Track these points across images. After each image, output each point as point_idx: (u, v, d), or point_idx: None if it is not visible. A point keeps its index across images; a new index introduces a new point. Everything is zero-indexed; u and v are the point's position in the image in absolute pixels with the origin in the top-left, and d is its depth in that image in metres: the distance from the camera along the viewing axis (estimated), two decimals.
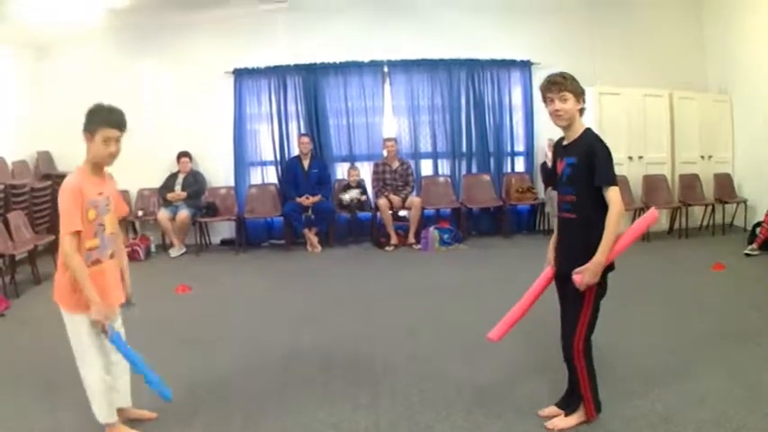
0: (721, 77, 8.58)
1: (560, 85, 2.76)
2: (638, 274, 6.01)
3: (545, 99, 2.82)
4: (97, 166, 2.81)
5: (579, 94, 2.77)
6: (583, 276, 2.68)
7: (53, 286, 2.85)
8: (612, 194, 2.67)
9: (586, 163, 2.70)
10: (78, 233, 2.68)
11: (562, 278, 2.87)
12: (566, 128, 2.82)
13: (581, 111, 2.80)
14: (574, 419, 2.93)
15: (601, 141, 2.76)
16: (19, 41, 7.88)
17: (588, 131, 2.81)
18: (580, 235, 2.74)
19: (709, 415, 3.00)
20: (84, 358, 2.83)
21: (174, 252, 7.78)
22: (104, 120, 2.69)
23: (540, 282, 3.03)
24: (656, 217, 2.93)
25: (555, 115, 2.79)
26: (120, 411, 3.00)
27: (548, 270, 3.02)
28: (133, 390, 3.15)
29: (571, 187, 2.78)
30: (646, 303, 5.06)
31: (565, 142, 2.87)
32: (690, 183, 8.26)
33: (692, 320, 4.55)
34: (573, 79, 2.78)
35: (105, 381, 2.88)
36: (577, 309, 2.79)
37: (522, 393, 3.36)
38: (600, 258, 2.65)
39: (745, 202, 8.13)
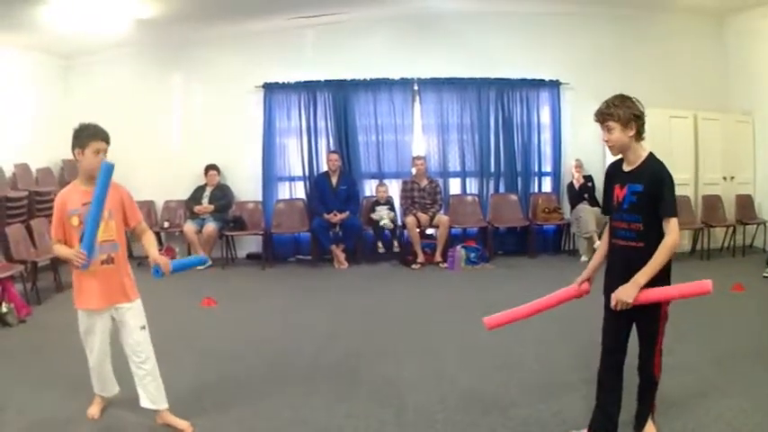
0: (744, 98, 8.59)
1: (604, 114, 2.73)
2: None
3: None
4: (89, 178, 3.03)
5: (628, 120, 2.68)
6: (618, 293, 2.68)
7: None
8: (673, 225, 2.63)
9: (654, 191, 2.64)
10: (59, 240, 3.07)
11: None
12: (625, 155, 2.76)
13: (637, 136, 2.72)
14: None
15: (667, 169, 2.69)
16: (48, 49, 7.89)
17: (652, 157, 2.73)
18: (643, 261, 2.68)
19: None
20: (85, 345, 3.22)
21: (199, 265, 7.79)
22: (93, 134, 3.00)
23: (560, 294, 3.02)
24: (708, 291, 2.68)
25: (607, 146, 2.78)
26: (157, 414, 3.22)
27: (574, 287, 3.00)
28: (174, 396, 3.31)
29: (637, 215, 2.70)
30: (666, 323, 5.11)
31: (626, 167, 2.77)
32: (712, 204, 8.29)
33: (711, 341, 4.61)
34: (622, 105, 2.71)
35: (96, 363, 3.25)
36: (652, 332, 2.84)
37: (549, 413, 3.38)
38: (640, 280, 2.64)
39: (765, 222, 8.18)
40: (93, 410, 3.36)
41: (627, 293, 2.65)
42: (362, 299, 6.32)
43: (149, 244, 3.25)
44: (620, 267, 2.79)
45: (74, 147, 3.02)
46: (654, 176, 2.65)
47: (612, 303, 2.70)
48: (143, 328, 3.18)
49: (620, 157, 2.81)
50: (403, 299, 6.31)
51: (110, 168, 2.92)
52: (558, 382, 3.80)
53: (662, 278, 2.70)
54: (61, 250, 3.07)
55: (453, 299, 6.20)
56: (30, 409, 3.50)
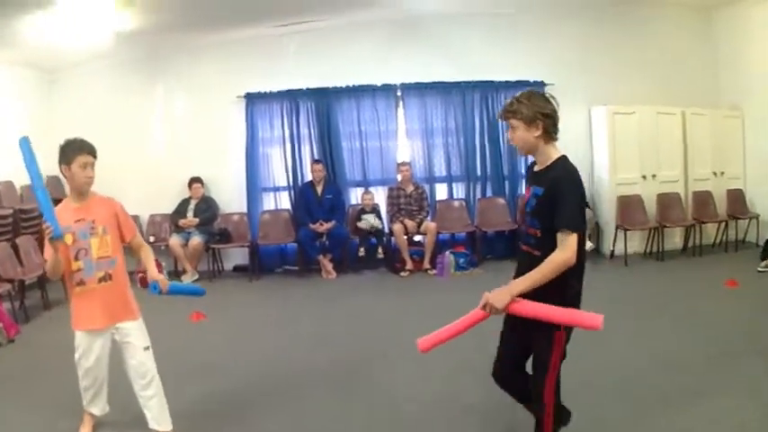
0: (733, 93, 8.53)
1: (506, 112, 2.53)
2: (653, 293, 6.20)
3: None
4: (78, 194, 3.03)
5: (533, 118, 2.45)
6: (490, 294, 2.45)
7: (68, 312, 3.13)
8: (570, 241, 2.35)
9: (551, 198, 2.42)
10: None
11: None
12: (535, 156, 2.58)
13: (546, 136, 2.50)
14: None
15: (574, 176, 2.44)
16: (30, 64, 7.81)
17: (560, 162, 2.50)
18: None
19: None
20: (79, 368, 3.17)
21: (186, 278, 7.71)
22: (79, 148, 2.96)
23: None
24: (597, 326, 2.34)
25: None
26: None
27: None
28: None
29: (536, 220, 2.50)
30: (660, 321, 5.14)
31: (536, 167, 2.60)
32: (703, 200, 8.23)
33: (707, 338, 4.60)
34: (528, 102, 2.48)
35: (91, 384, 3.21)
36: (547, 352, 2.54)
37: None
38: (514, 289, 2.41)
39: (757, 217, 8.11)
40: (85, 431, 3.31)
41: (497, 298, 2.43)
42: (352, 308, 6.28)
43: (147, 259, 3.24)
44: (519, 273, 2.57)
45: (60, 163, 2.98)
46: (554, 182, 2.43)
47: (481, 303, 2.48)
48: (147, 348, 3.13)
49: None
50: (393, 307, 6.25)
51: (24, 141, 2.88)
52: None
53: (556, 297, 2.41)
54: (47, 253, 2.99)
55: (443, 305, 5.97)
56: (20, 430, 3.48)
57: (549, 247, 2.40)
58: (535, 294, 2.42)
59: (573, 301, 2.50)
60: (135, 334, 3.11)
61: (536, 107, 2.47)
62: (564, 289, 2.44)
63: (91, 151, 2.99)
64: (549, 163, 2.52)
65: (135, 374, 3.10)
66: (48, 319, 6.05)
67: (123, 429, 3.37)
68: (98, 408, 3.33)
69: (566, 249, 2.35)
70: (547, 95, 2.58)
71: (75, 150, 2.95)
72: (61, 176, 3.05)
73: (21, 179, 7.44)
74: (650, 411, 3.32)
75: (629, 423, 3.11)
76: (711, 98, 8.63)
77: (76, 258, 2.98)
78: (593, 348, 4.48)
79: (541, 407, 2.63)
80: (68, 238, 2.94)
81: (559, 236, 2.37)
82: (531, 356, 2.67)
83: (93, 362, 3.11)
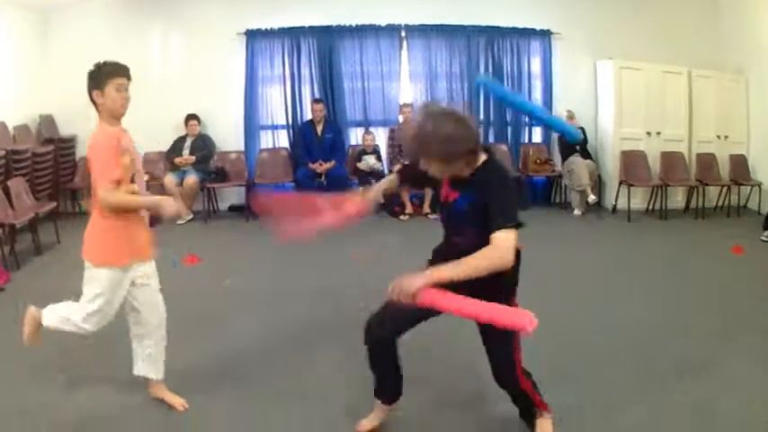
0: (737, 57, 8.45)
1: (418, 146, 2.26)
2: (661, 254, 6.04)
3: None
4: (114, 119, 2.75)
5: (454, 160, 2.22)
6: (401, 280, 2.17)
7: (82, 241, 2.81)
8: (509, 239, 2.13)
9: (484, 203, 2.21)
10: (117, 182, 2.66)
11: None
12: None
13: (471, 161, 2.27)
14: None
15: (504, 174, 2.31)
16: (23, 3, 7.57)
17: (489, 164, 2.30)
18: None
19: (736, 404, 2.94)
20: (94, 314, 2.81)
21: (180, 219, 7.51)
22: (112, 70, 2.70)
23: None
24: (525, 328, 2.04)
25: None
26: (151, 385, 3.02)
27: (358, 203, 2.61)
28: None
29: (466, 224, 2.31)
30: (670, 284, 5.00)
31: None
32: (707, 162, 8.15)
33: (719, 305, 4.48)
34: (446, 144, 2.17)
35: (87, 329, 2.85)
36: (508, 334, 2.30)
37: None
38: (436, 275, 2.14)
39: (759, 185, 8.01)
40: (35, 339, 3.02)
41: (409, 283, 2.14)
42: (351, 251, 5.90)
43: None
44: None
45: (91, 89, 2.70)
46: (488, 185, 2.24)
47: (390, 288, 2.18)
48: (160, 290, 2.99)
49: None
50: (393, 252, 5.91)
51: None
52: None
53: (491, 285, 2.16)
54: (146, 200, 2.78)
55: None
56: (15, 391, 3.20)
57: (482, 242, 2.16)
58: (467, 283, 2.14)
59: (509, 290, 2.37)
60: (155, 274, 2.96)
61: (456, 147, 2.18)
62: (500, 276, 2.17)
63: (126, 73, 2.75)
64: (476, 166, 2.29)
65: (150, 316, 2.90)
66: (40, 265, 5.74)
67: (116, 389, 3.13)
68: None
69: (505, 250, 2.10)
70: (467, 120, 2.25)
71: (108, 74, 2.69)
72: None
73: (13, 119, 7.24)
74: (664, 379, 3.23)
75: (642, 391, 3.02)
76: (715, 61, 8.54)
77: (132, 182, 2.76)
78: (605, 309, 4.42)
79: (523, 395, 2.55)
80: (127, 159, 2.70)
81: (499, 234, 2.13)
82: (487, 343, 2.48)
83: (115, 308, 2.84)
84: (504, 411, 2.77)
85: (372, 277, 4.96)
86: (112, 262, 2.74)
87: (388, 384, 2.67)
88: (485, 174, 2.26)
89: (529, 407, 2.59)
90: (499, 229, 2.12)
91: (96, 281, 2.74)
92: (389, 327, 2.53)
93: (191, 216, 7.59)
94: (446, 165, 2.22)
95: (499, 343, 2.41)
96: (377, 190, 2.72)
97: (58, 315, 2.87)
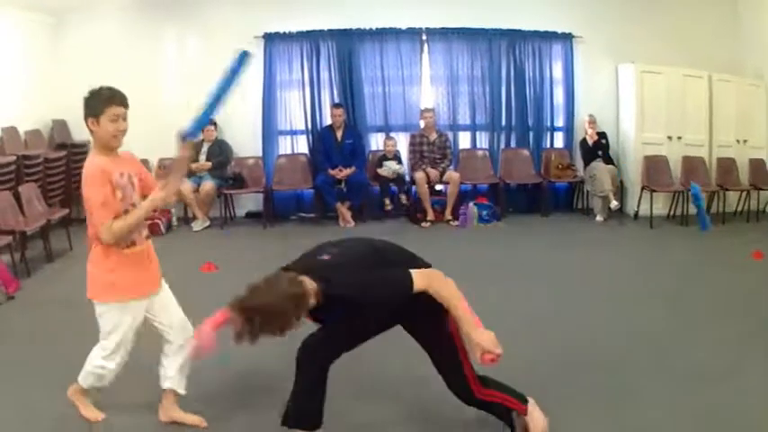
0: (757, 62, 8.36)
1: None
2: (683, 262, 5.93)
3: None
4: (108, 150, 2.65)
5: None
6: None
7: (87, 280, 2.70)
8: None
9: None
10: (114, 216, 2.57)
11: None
12: None
13: None
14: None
15: None
16: (35, 6, 7.41)
17: None
18: None
19: (754, 410, 2.91)
20: (112, 350, 2.73)
21: (197, 225, 7.38)
22: (109, 99, 2.59)
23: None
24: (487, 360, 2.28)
25: None
26: (166, 409, 2.90)
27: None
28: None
29: None
30: (692, 292, 4.90)
31: None
32: (727, 167, 8.08)
33: (739, 312, 4.40)
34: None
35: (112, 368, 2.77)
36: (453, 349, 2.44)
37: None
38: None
39: None
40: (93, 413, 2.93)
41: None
42: None
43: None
44: None
45: (86, 116, 2.59)
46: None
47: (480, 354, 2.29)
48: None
49: None
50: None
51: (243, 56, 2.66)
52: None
53: None
54: (140, 211, 2.62)
55: (467, 260, 5.74)
56: (25, 403, 3.09)
57: None
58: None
59: None
60: (170, 292, 2.90)
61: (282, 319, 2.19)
62: None
63: (122, 101, 2.63)
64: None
65: (179, 331, 2.83)
66: (51, 272, 5.62)
67: (129, 413, 2.99)
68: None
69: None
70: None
71: (104, 101, 2.58)
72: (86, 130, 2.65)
73: (24, 125, 7.10)
74: (681, 384, 3.19)
75: (658, 395, 2.98)
76: (734, 66, 8.47)
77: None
78: (625, 314, 4.35)
79: (484, 403, 2.50)
80: (119, 194, 2.60)
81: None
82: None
83: (132, 340, 2.76)
84: None
85: None
86: (120, 298, 2.66)
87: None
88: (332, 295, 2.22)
89: (501, 412, 2.55)
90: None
91: (107, 318, 2.67)
92: None
93: (207, 223, 7.45)
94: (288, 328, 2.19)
95: (446, 360, 2.45)
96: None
97: (87, 371, 2.79)
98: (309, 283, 2.19)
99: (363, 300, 2.21)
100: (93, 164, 2.58)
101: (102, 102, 2.57)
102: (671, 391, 3.12)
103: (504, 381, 2.59)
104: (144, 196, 2.70)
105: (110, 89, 2.62)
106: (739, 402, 2.98)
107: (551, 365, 2.98)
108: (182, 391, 2.88)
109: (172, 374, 2.83)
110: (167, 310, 2.84)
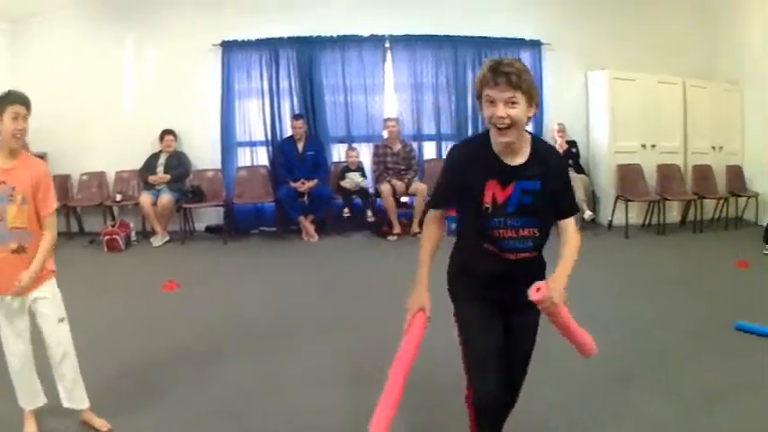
0: (732, 67, 8.23)
1: (512, 81, 1.90)
2: (667, 273, 5.70)
3: (480, 95, 1.99)
4: (9, 150, 2.66)
5: (532, 97, 1.96)
6: (555, 284, 1.98)
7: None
8: (573, 221, 2.17)
9: (551, 188, 2.05)
10: None
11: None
12: (509, 140, 1.99)
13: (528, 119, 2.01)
14: None
15: (559, 154, 2.19)
16: None
17: (540, 143, 2.09)
18: (535, 276, 2.04)
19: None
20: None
21: (156, 241, 7.09)
22: (9, 98, 2.64)
23: (415, 337, 2.09)
24: (589, 353, 2.25)
25: (496, 125, 1.95)
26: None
27: (420, 316, 2.12)
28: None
29: (533, 218, 2.04)
30: (682, 305, 4.70)
31: (509, 160, 2.04)
32: (703, 174, 7.92)
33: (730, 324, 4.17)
34: (527, 71, 1.95)
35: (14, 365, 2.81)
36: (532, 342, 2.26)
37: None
38: (564, 282, 2.02)
39: (756, 196, 7.77)
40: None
41: (561, 290, 1.99)
42: (345, 278, 5.63)
43: (41, 248, 2.73)
44: (505, 283, 2.10)
45: None
46: (551, 168, 2.06)
47: (541, 296, 1.94)
48: (62, 319, 2.81)
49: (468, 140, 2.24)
50: (385, 276, 5.54)
51: None
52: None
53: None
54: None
55: (440, 275, 5.49)
56: None
57: (542, 244, 2.12)
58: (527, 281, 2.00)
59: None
60: (48, 304, 2.77)
61: (533, 83, 1.98)
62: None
63: (23, 102, 2.65)
64: (529, 149, 2.04)
65: (47, 347, 2.79)
66: None
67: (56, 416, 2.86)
68: (34, 401, 2.88)
69: (575, 227, 2.16)
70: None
71: (4, 101, 2.62)
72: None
73: None
74: (674, 403, 3.04)
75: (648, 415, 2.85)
76: (710, 71, 8.32)
77: None
78: (627, 333, 4.09)
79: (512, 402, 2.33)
80: None
81: (570, 221, 2.15)
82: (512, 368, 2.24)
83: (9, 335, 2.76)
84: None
85: (367, 307, 4.68)
86: None
87: None
88: (544, 155, 2.07)
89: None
90: (572, 214, 2.15)
91: None
92: (499, 383, 2.14)
93: (167, 238, 7.19)
94: (528, 105, 1.96)
95: (523, 369, 2.28)
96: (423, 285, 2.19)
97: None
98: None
99: (566, 168, 2.21)
100: None
101: (3, 101, 2.61)
102: (659, 408, 2.97)
103: None
104: (38, 213, 2.69)
105: (12, 91, 2.68)
106: (753, 421, 2.85)
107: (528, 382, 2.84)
108: (70, 405, 2.86)
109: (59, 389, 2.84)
110: (41, 320, 2.79)
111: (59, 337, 2.76)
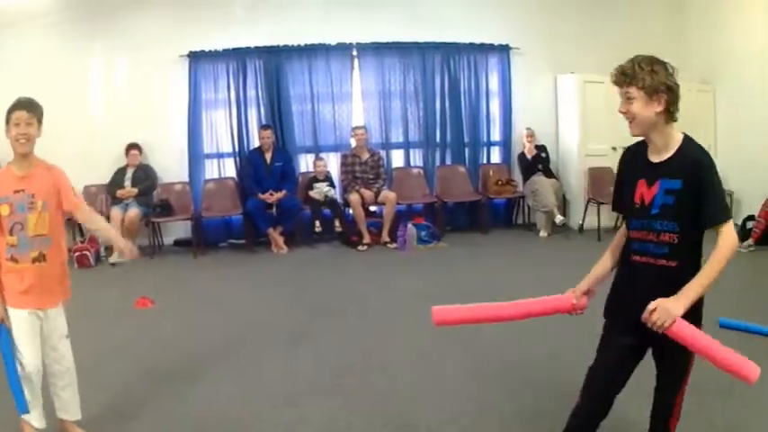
0: (704, 67, 8.21)
1: (625, 76, 2.04)
2: None
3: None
4: (20, 157, 2.70)
5: (655, 91, 2.00)
6: (661, 305, 1.92)
7: None
8: (729, 228, 1.97)
9: (695, 189, 1.97)
10: None
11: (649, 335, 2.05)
12: (649, 137, 2.06)
13: (667, 114, 2.03)
14: None
15: (710, 156, 2.01)
16: None
17: (690, 143, 2.04)
18: (676, 288, 1.95)
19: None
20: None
21: (113, 258, 6.95)
22: (12, 106, 2.66)
23: (548, 304, 2.28)
24: (751, 378, 1.89)
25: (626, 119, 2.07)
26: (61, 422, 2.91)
27: (569, 297, 2.26)
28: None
29: (673, 222, 2.00)
30: None
31: (655, 158, 2.07)
32: None
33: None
34: (649, 69, 2.01)
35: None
36: (679, 369, 2.14)
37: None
38: (691, 294, 1.92)
39: (731, 194, 7.77)
40: None
41: (672, 308, 1.90)
42: (316, 289, 5.57)
43: (106, 226, 3.02)
44: (641, 290, 2.05)
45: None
46: (697, 167, 1.97)
47: (645, 315, 1.94)
48: (66, 336, 2.84)
49: (640, 139, 2.15)
50: (356, 287, 5.56)
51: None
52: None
53: (696, 309, 2.01)
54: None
55: (411, 285, 5.44)
56: None
57: (687, 252, 2.02)
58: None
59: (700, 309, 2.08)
60: (58, 320, 2.81)
61: (659, 77, 2.02)
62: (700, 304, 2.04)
63: (24, 107, 2.64)
64: (675, 147, 2.04)
65: (51, 361, 2.79)
66: None
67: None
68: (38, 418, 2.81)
69: (733, 238, 1.97)
70: (667, 65, 2.10)
71: (10, 109, 2.64)
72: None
73: None
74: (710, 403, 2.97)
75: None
76: (682, 71, 8.17)
77: (11, 233, 2.66)
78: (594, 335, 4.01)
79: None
80: (5, 209, 2.63)
81: (721, 229, 1.98)
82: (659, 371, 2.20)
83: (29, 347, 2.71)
84: None
85: (342, 319, 4.64)
86: (11, 302, 2.68)
87: None
88: (691, 154, 2.01)
89: None
90: (721, 222, 1.97)
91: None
92: (605, 402, 2.19)
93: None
94: (648, 100, 2.01)
95: (670, 387, 2.20)
96: (591, 280, 2.30)
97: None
98: (675, 128, 2.12)
99: (714, 170, 2.03)
100: None
101: (9, 109, 2.65)
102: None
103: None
104: (64, 213, 2.77)
105: (20, 97, 2.69)
106: (751, 417, 2.87)
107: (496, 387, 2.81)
108: (65, 416, 2.88)
109: (55, 401, 2.87)
110: (51, 335, 2.80)
111: (65, 352, 2.81)
